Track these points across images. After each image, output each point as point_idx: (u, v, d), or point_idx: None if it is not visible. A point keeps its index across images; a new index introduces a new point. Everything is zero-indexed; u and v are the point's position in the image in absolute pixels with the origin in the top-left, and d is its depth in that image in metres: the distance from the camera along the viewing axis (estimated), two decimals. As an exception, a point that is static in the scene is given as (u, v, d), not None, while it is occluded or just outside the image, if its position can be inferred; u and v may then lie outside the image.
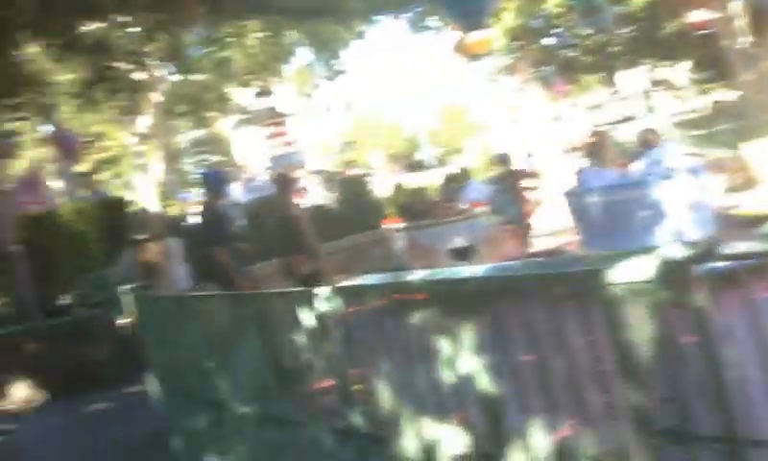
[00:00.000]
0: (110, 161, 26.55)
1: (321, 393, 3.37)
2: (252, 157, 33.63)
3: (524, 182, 9.84)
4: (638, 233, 6.56)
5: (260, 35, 21.79)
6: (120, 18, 11.82)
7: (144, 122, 24.59)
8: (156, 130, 25.31)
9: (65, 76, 11.62)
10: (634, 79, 24.21)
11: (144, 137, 25.63)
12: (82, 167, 24.81)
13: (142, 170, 24.99)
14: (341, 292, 2.99)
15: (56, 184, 20.08)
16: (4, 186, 11.06)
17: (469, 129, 42.95)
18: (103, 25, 11.59)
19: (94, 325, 10.11)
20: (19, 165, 15.77)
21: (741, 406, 1.80)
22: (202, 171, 26.89)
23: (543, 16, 24.18)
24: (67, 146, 11.18)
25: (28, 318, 10.69)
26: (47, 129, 12.00)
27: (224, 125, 33.22)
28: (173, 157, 25.37)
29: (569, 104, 25.04)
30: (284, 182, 8.88)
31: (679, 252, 1.81)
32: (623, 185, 7.23)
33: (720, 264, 1.82)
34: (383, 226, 12.68)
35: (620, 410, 2.02)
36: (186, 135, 28.78)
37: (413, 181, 25.11)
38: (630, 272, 1.87)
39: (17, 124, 11.87)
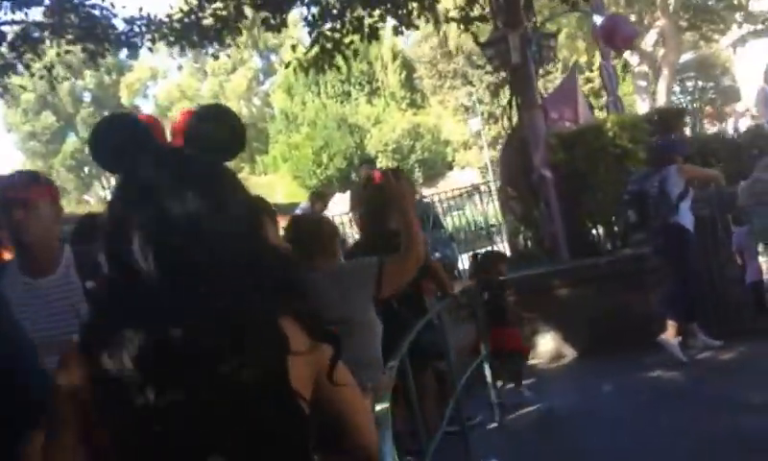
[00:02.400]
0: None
1: None
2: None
3: None
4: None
5: None
6: None
7: (651, 37, 21.71)
8: (663, 46, 22.14)
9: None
10: None
11: (646, 56, 22.65)
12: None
13: (642, 93, 22.06)
14: None
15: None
16: (534, 100, 9.35)
17: None
18: None
19: (637, 267, 8.00)
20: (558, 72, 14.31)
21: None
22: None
23: None
24: (620, 37, 8.88)
25: (557, 256, 8.98)
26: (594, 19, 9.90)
27: (724, 42, 28.38)
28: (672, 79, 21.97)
29: None
30: None
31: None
32: None
33: None
34: None
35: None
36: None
37: None
38: None
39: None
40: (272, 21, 8.11)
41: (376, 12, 8.26)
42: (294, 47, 8.80)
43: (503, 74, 33.42)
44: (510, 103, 9.49)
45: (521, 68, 9.17)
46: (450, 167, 33.37)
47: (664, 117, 9.62)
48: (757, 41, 29.82)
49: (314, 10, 8.17)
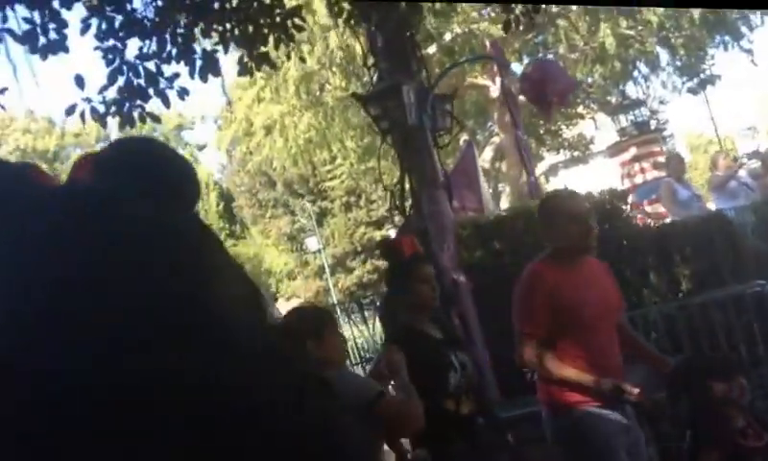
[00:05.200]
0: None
1: None
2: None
3: None
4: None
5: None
6: None
7: (487, 153, 20.12)
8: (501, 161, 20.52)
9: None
10: None
11: (484, 172, 21.10)
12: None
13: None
14: None
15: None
16: (435, 178, 6.68)
17: None
18: None
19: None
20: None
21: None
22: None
23: None
24: (555, 90, 6.33)
25: (484, 398, 6.13)
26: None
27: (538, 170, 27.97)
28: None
29: None
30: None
31: None
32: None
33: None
34: None
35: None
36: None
37: None
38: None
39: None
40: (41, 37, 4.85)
41: (215, 33, 5.29)
42: (80, 80, 5.32)
43: (323, 202, 31.75)
44: (401, 182, 6.72)
45: (418, 134, 6.55)
46: (275, 299, 30.89)
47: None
48: (566, 171, 29.82)
49: (115, 18, 5.00)
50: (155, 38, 5.20)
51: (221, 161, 39.53)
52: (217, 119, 29.22)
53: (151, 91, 5.37)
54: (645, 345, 3.72)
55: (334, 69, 17.54)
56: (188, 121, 42.34)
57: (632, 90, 21.12)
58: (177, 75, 5.42)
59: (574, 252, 3.47)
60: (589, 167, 28.27)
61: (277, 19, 5.52)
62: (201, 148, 44.61)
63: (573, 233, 3.44)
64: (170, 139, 45.77)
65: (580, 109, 21.75)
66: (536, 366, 3.45)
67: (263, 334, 0.89)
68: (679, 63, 19.12)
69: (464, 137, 13.46)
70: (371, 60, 6.73)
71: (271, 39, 5.64)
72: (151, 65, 5.36)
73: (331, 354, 3.02)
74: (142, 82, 5.36)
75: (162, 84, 5.38)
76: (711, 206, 9.61)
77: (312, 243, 28.34)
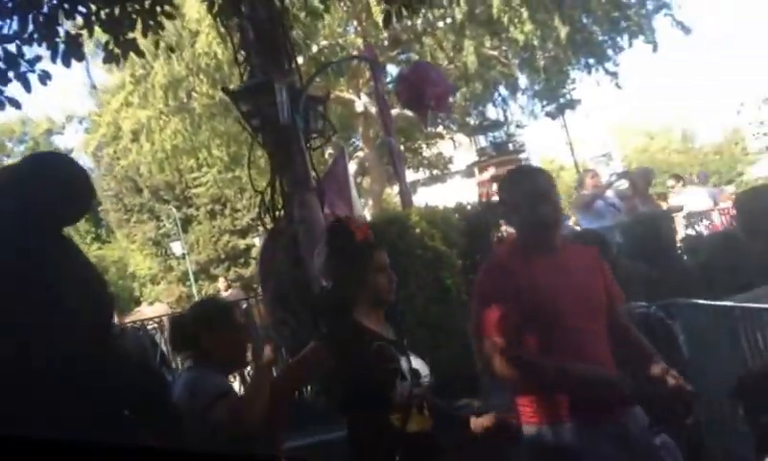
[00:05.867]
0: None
1: None
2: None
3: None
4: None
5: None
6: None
7: (351, 167, 20.26)
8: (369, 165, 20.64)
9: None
10: None
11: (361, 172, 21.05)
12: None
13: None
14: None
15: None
16: (307, 181, 6.57)
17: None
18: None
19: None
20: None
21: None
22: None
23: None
24: (433, 93, 6.30)
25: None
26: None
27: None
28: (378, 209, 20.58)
29: None
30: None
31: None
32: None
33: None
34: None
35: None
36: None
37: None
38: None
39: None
40: None
41: (79, 16, 4.97)
42: None
43: (189, 209, 30.95)
44: (272, 184, 6.57)
45: (290, 133, 6.43)
46: (138, 302, 29.96)
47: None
48: (425, 189, 30.33)
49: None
50: (16, 18, 4.83)
51: (88, 165, 38.12)
52: (83, 120, 28.08)
53: (11, 74, 4.99)
54: (649, 352, 3.07)
55: (201, 76, 17.11)
56: (58, 125, 40.89)
57: (491, 112, 21.60)
58: (39, 58, 5.07)
59: (537, 239, 2.97)
60: (448, 186, 28.73)
61: (146, 4, 5.25)
62: (69, 152, 43.02)
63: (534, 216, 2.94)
64: (40, 143, 43.81)
65: (440, 129, 22.07)
66: (511, 376, 2.89)
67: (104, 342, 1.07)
68: (537, 87, 19.49)
69: (329, 150, 13.51)
70: (242, 57, 6.57)
71: (138, 25, 5.36)
72: (11, 47, 4.99)
73: (221, 350, 3.00)
74: (2, 64, 4.98)
75: (23, 67, 5.01)
76: (575, 226, 9.76)
77: (177, 247, 27.68)
